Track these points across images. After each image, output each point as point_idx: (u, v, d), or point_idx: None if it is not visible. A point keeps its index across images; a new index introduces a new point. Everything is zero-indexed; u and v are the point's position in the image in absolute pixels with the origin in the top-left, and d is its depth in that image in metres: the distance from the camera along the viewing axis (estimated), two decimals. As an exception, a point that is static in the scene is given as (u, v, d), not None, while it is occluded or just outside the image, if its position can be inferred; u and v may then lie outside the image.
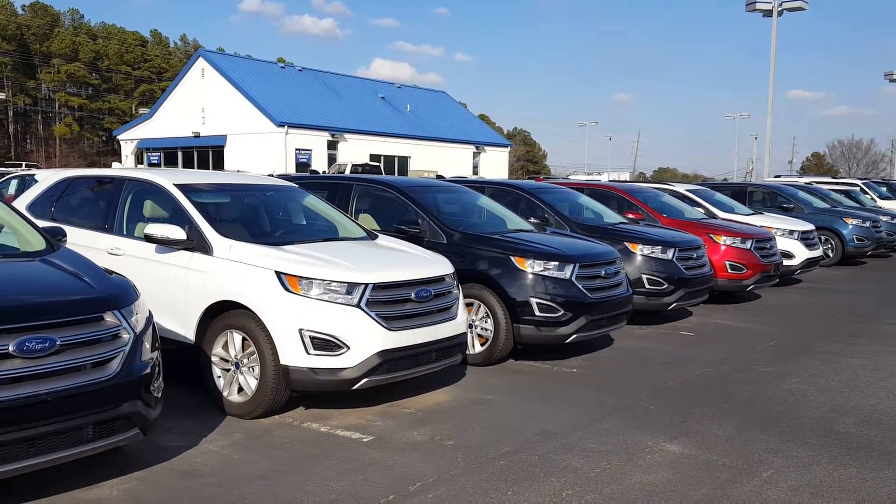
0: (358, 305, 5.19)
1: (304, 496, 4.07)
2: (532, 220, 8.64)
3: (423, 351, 5.53)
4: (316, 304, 5.14)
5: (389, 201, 7.94)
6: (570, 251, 7.31)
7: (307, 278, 5.19)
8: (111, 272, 4.52)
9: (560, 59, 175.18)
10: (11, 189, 13.66)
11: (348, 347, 5.11)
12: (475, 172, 49.76)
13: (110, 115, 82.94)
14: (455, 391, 6.19)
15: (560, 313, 6.87)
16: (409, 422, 5.36)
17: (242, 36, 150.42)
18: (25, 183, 12.04)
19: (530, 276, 6.92)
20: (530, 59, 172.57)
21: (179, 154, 44.23)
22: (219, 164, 41.10)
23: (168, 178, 6.19)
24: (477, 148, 52.06)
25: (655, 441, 5.05)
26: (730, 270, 10.75)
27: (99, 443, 3.93)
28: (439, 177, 19.22)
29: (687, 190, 13.95)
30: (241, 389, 5.36)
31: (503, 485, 4.27)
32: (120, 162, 48.91)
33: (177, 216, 5.86)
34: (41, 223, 5.35)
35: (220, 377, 5.46)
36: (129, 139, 47.41)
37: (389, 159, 44.94)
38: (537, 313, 6.83)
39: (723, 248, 10.82)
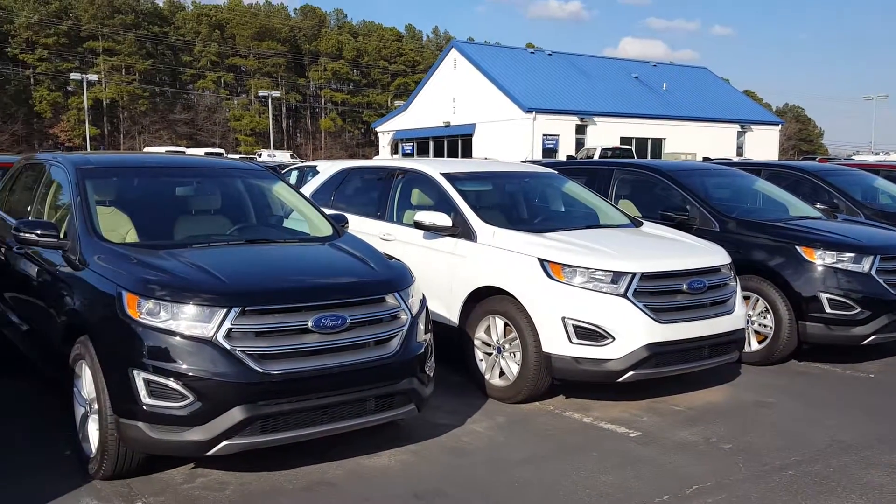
0: (624, 295, 5.16)
1: (573, 486, 4.15)
2: (818, 205, 7.92)
3: (694, 346, 5.36)
4: (579, 292, 5.19)
5: (652, 186, 7.75)
6: (869, 241, 6.60)
7: (571, 266, 5.26)
8: (391, 257, 4.95)
9: (833, 26, 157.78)
10: (291, 180, 15.40)
11: (614, 338, 5.10)
12: (739, 153, 46.60)
13: (368, 108, 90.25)
14: (730, 391, 5.90)
15: (856, 311, 6.24)
16: (680, 420, 5.22)
17: (489, 24, 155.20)
18: (304, 174, 13.51)
19: (820, 268, 6.36)
20: (798, 28, 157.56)
21: (431, 144, 46.78)
22: (467, 153, 42.83)
23: (435, 168, 6.60)
24: (742, 127, 48.66)
25: (983, 466, 4.40)
26: None
27: (380, 415, 4.33)
28: (706, 159, 18.25)
29: None
30: (502, 373, 5.58)
31: (792, 496, 4.00)
32: (378, 153, 53.05)
33: (443, 204, 6.24)
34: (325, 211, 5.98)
35: (481, 360, 5.73)
36: (385, 131, 51.17)
37: (641, 142, 43.67)
38: (828, 310, 6.27)
39: None
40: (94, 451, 4.13)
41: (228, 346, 3.83)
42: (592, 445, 4.75)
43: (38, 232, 4.63)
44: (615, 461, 4.49)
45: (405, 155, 46.34)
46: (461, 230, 5.93)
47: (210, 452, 3.87)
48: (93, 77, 64.26)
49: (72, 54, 76.21)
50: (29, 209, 5.59)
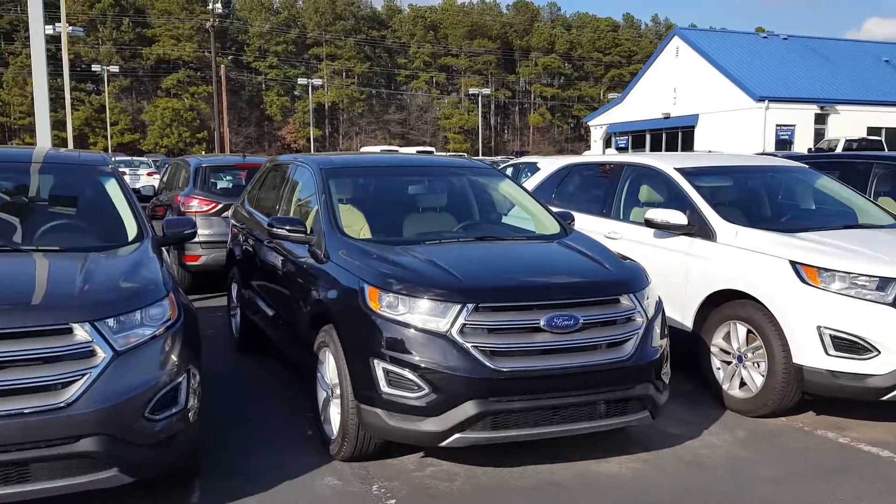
0: (893, 304, 4.72)
1: (829, 512, 3.87)
2: None
3: (980, 364, 4.76)
4: (839, 299, 4.81)
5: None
6: None
7: (829, 270, 4.89)
8: (625, 257, 4.89)
9: None
10: (506, 177, 15.64)
11: (879, 351, 4.68)
12: None
13: (579, 102, 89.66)
14: None
15: None
16: (957, 448, 4.68)
17: (713, 9, 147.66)
18: (519, 171, 13.70)
19: None
20: None
21: (647, 137, 45.48)
22: (688, 146, 41.14)
23: (668, 163, 6.43)
24: None
25: None
26: None
27: (611, 420, 4.30)
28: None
29: None
30: (742, 384, 5.32)
31: None
32: (589, 148, 52.47)
33: (676, 201, 6.05)
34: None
35: (719, 369, 5.49)
36: (598, 125, 50.49)
37: (893, 132, 39.40)
38: None
39: None
40: (335, 433, 4.47)
41: (462, 342, 3.99)
42: (851, 469, 4.39)
43: (288, 227, 5.10)
44: (879, 487, 4.12)
45: (619, 149, 45.48)
46: (698, 229, 5.72)
47: (443, 444, 4.05)
48: (317, 82, 69.73)
49: (298, 61, 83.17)
50: (277, 207, 6.18)
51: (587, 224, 6.64)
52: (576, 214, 6.77)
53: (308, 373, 4.90)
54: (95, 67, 65.58)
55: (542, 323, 4.08)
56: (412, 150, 38.67)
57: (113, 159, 6.36)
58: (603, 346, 4.22)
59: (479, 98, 72.44)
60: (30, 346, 3.33)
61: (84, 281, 3.71)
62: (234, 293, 7.16)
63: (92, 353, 3.41)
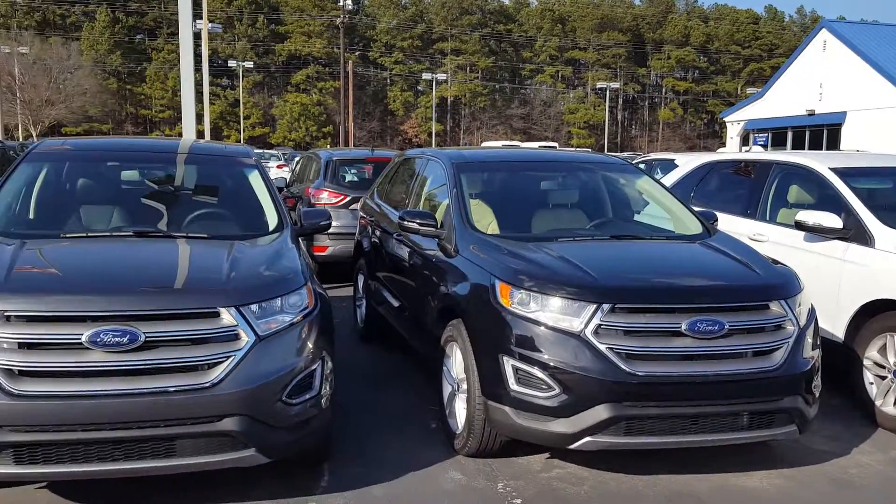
0: None
1: None
2: None
3: None
4: None
5: None
6: None
7: None
8: (775, 261, 4.67)
9: None
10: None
11: None
12: None
13: (714, 97, 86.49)
14: None
15: None
16: None
17: (864, 1, 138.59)
18: (651, 168, 13.37)
19: None
20: None
21: (789, 134, 43.33)
22: (833, 144, 38.86)
23: (821, 162, 6.09)
24: None
25: None
26: None
27: (755, 433, 4.12)
28: None
29: None
30: (898, 402, 4.98)
31: None
32: (723, 145, 50.50)
33: (830, 202, 5.72)
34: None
35: (871, 384, 5.17)
36: (735, 121, 48.48)
37: None
38: None
39: None
40: (459, 427, 4.49)
41: (596, 343, 3.90)
42: None
43: (419, 221, 5.17)
44: None
45: (762, 146, 43.58)
46: (854, 233, 5.40)
47: (573, 446, 3.97)
48: (441, 76, 70.56)
49: (423, 56, 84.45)
50: (406, 200, 6.28)
51: (729, 225, 6.40)
52: (717, 214, 6.53)
53: (434, 366, 4.95)
54: (231, 63, 69.01)
55: (683, 327, 3.94)
56: (534, 145, 38.42)
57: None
58: (749, 355, 4.04)
59: (607, 92, 71.17)
60: (179, 328, 3.51)
61: (231, 268, 3.90)
62: (360, 284, 7.33)
63: (236, 337, 3.57)
